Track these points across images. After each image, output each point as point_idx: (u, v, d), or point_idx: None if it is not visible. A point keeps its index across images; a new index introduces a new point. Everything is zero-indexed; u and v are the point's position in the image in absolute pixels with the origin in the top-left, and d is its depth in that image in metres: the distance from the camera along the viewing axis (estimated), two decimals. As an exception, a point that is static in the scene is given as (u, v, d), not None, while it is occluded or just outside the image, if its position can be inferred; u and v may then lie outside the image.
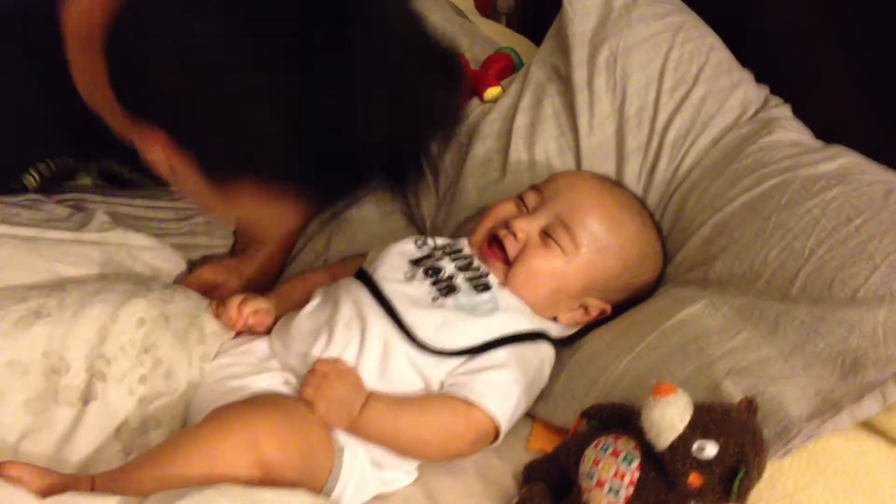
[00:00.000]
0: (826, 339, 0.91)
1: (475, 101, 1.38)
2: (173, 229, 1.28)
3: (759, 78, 1.28)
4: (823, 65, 1.23)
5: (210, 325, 1.06)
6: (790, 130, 1.16)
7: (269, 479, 0.88)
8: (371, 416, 0.97)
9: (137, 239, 1.17)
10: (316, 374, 0.97)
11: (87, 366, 0.96)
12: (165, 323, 1.02)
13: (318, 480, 0.95)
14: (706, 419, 0.83)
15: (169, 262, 1.19)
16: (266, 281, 1.27)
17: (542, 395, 1.06)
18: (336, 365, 0.99)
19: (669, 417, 0.82)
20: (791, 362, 0.92)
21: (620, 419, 0.95)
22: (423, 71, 0.91)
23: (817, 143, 1.15)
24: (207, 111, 0.85)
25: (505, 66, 1.45)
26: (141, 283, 1.07)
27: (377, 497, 1.00)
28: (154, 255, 1.17)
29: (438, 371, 1.02)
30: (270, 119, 0.84)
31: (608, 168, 1.24)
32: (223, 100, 0.84)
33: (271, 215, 1.01)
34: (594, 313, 1.11)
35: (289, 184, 0.91)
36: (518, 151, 1.27)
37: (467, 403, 0.98)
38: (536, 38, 1.67)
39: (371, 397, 0.98)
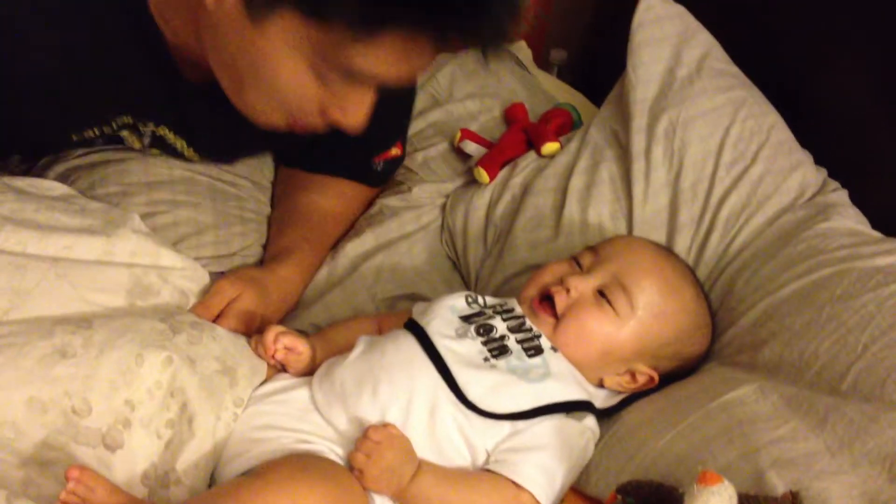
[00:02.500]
0: (876, 438, 0.90)
1: (531, 155, 1.39)
2: (209, 235, 1.28)
3: (818, 160, 1.28)
4: (885, 151, 1.23)
5: (241, 367, 1.05)
6: (847, 218, 1.16)
7: None
8: (421, 488, 0.97)
9: (168, 258, 1.16)
10: (367, 442, 0.96)
11: (111, 409, 0.95)
12: (192, 367, 1.01)
13: None
14: (750, 512, 0.83)
15: (198, 283, 1.18)
16: (285, 299, 1.26)
17: (580, 467, 1.06)
18: (388, 431, 0.98)
19: (713, 507, 0.82)
20: (838, 459, 0.91)
21: (658, 499, 0.94)
22: None
23: (875, 234, 1.15)
24: None
25: (564, 123, 1.46)
26: (169, 318, 1.06)
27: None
28: (183, 277, 1.16)
29: (485, 439, 1.01)
30: None
31: (659, 238, 1.24)
32: None
33: (300, 78, 0.95)
34: (641, 380, 1.10)
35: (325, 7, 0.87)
36: (572, 212, 1.28)
37: (517, 487, 0.98)
38: (586, 92, 1.70)
39: (421, 469, 0.98)
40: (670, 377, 1.11)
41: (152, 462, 0.95)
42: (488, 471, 1.00)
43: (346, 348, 1.09)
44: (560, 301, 1.07)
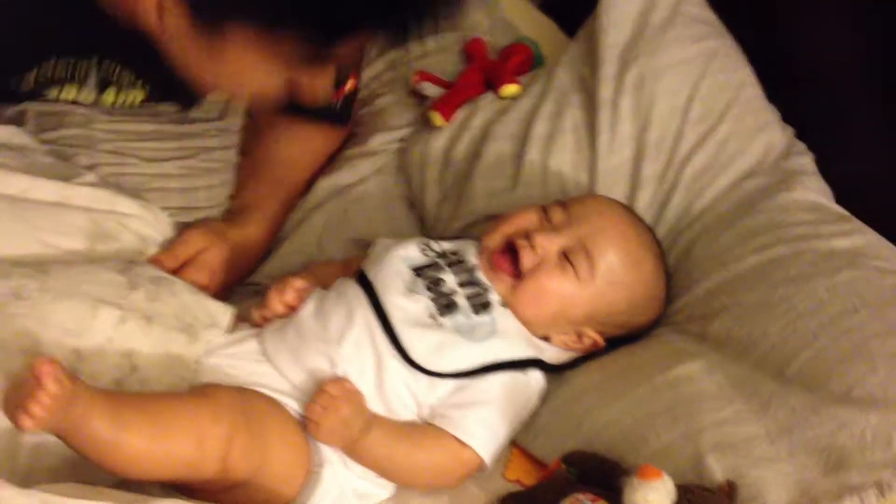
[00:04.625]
0: (815, 430, 0.92)
1: (491, 95, 1.36)
2: (174, 186, 1.26)
3: (787, 116, 1.27)
4: (854, 116, 1.21)
5: (199, 322, 1.05)
6: (810, 189, 1.15)
7: (226, 479, 0.92)
8: (369, 442, 0.98)
9: (126, 205, 1.15)
10: (324, 395, 0.97)
11: (59, 356, 0.93)
12: (147, 326, 1.00)
13: (284, 494, 0.97)
14: (686, 507, 0.84)
15: (158, 230, 1.18)
16: (249, 258, 1.27)
17: (525, 424, 1.07)
18: (344, 385, 0.99)
19: (651, 502, 0.84)
20: (777, 445, 0.93)
21: (601, 473, 0.96)
22: None
23: (835, 210, 1.14)
24: None
25: (524, 61, 1.42)
26: (127, 270, 1.05)
27: (353, 510, 1.02)
28: (144, 224, 1.16)
29: (430, 394, 1.02)
30: None
31: (621, 192, 1.22)
32: None
33: (261, 75, 0.96)
34: (587, 343, 1.10)
35: (280, 25, 0.88)
36: (532, 162, 1.25)
37: (459, 443, 1.00)
38: (556, 14, 1.64)
39: (371, 424, 0.99)
40: (618, 341, 1.12)
41: None
42: (433, 426, 1.02)
43: (327, 285, 1.11)
44: (526, 259, 1.06)
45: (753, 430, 0.95)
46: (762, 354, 1.01)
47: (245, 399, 0.97)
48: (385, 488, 1.03)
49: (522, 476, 1.05)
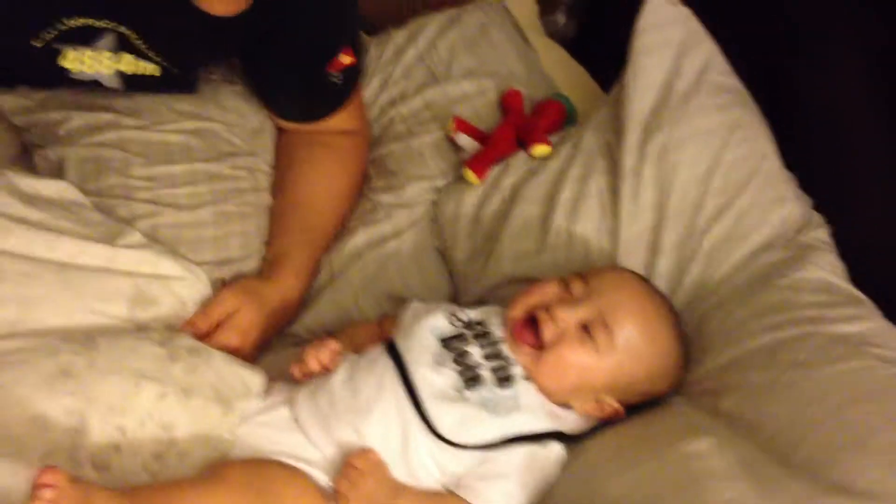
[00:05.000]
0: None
1: (523, 155, 1.41)
2: (208, 235, 1.32)
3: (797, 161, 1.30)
4: (863, 163, 1.25)
5: (235, 393, 1.12)
6: (822, 268, 1.19)
7: None
8: None
9: (169, 267, 1.22)
10: (352, 469, 1.04)
11: (104, 433, 1.01)
12: (186, 400, 1.07)
13: None
14: None
15: (197, 290, 1.25)
16: (285, 311, 1.32)
17: (544, 493, 1.12)
18: (369, 458, 1.06)
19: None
20: (778, 529, 0.98)
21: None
22: None
23: (845, 290, 1.17)
24: None
25: (556, 120, 1.47)
26: (168, 342, 1.11)
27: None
28: (184, 286, 1.23)
29: (456, 464, 1.09)
30: None
31: (641, 259, 1.27)
32: None
33: None
34: (608, 411, 1.15)
35: None
36: (559, 226, 1.31)
37: None
38: (587, 61, 1.69)
39: (398, 493, 1.06)
40: (637, 407, 1.17)
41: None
42: (457, 497, 1.08)
43: (360, 347, 1.18)
44: (547, 331, 1.11)
45: (756, 514, 1.00)
46: (769, 437, 1.05)
47: (260, 474, 1.03)
48: None
49: (540, 543, 1.12)
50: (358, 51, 1.42)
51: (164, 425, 1.05)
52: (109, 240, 1.19)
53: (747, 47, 1.40)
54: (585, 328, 1.12)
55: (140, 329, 1.16)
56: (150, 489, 1.00)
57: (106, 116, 1.35)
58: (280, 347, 1.33)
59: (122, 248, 1.19)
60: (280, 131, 1.48)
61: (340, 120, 1.45)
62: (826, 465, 0.99)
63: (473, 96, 1.54)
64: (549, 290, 1.15)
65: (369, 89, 1.58)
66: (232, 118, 1.43)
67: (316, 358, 1.16)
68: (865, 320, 1.11)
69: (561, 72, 1.65)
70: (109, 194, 1.30)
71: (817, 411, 1.03)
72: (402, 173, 1.47)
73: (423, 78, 1.57)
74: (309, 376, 1.16)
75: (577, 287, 1.15)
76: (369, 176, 1.50)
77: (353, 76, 1.43)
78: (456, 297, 1.40)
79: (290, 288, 1.33)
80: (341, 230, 1.43)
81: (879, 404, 1.00)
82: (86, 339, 1.08)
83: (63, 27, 1.19)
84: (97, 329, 1.12)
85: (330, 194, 1.42)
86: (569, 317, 1.12)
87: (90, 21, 1.19)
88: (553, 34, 1.80)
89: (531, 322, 1.14)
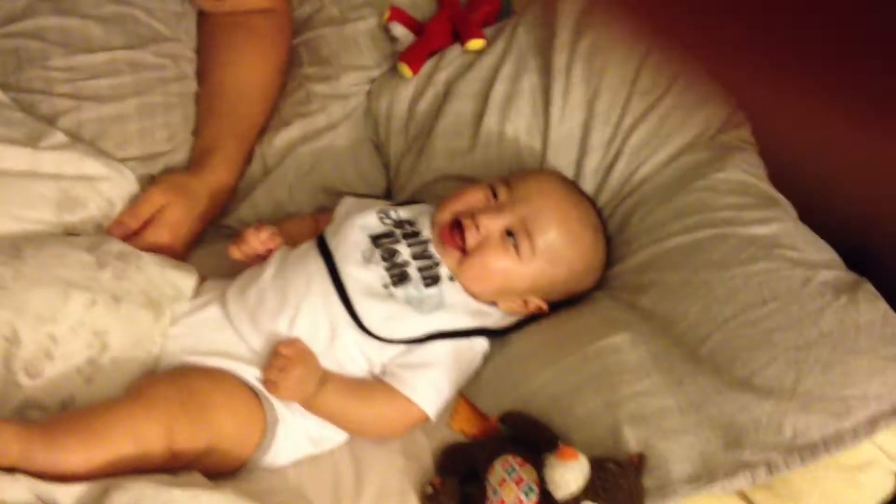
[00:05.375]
0: (719, 408, 1.03)
1: (457, 48, 1.42)
2: (133, 129, 1.31)
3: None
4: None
5: (165, 296, 1.14)
6: (740, 168, 1.23)
7: (178, 461, 1.01)
8: (323, 399, 1.11)
9: (94, 167, 1.21)
10: (280, 357, 1.09)
11: (35, 340, 1.04)
12: (116, 306, 1.09)
13: (241, 457, 1.09)
14: (597, 484, 0.97)
15: (124, 189, 1.25)
16: (214, 204, 1.33)
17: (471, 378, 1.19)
18: (297, 346, 1.11)
19: (566, 480, 0.97)
20: (686, 417, 1.05)
21: (533, 436, 1.09)
22: None
23: (762, 190, 1.22)
24: None
25: (491, 11, 1.47)
26: (96, 248, 1.12)
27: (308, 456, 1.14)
28: (111, 185, 1.23)
29: (381, 354, 1.15)
30: None
31: (570, 157, 1.31)
32: None
33: None
34: (532, 308, 1.21)
35: None
36: (491, 124, 1.33)
37: (408, 401, 1.12)
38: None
39: (325, 380, 1.11)
40: (561, 304, 1.23)
41: (70, 394, 1.05)
42: (384, 383, 1.14)
43: (296, 237, 1.22)
44: (470, 237, 1.16)
45: (666, 403, 1.06)
46: (681, 332, 1.11)
47: (185, 384, 1.06)
48: (340, 433, 1.15)
49: (466, 426, 1.18)
50: None
51: (95, 331, 1.07)
52: (32, 141, 1.18)
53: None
54: (509, 234, 1.16)
55: (69, 233, 1.17)
56: (69, 417, 1.02)
57: (23, 2, 1.32)
58: (213, 240, 1.35)
59: (46, 150, 1.18)
60: (200, 15, 1.46)
61: None
62: (730, 361, 1.06)
63: None
64: (474, 197, 1.19)
65: (301, -33, 1.55)
66: (153, 2, 1.40)
67: (256, 236, 1.19)
68: (777, 222, 1.16)
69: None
70: (30, 88, 1.28)
71: (726, 310, 1.09)
72: (336, 61, 1.47)
73: None
74: (250, 256, 1.20)
75: (502, 193, 1.19)
76: (300, 57, 1.49)
77: None
78: (390, 189, 1.42)
79: (219, 180, 1.33)
80: (274, 119, 1.43)
81: (783, 305, 1.06)
82: (12, 248, 1.08)
83: None
84: (25, 236, 1.13)
85: (255, 80, 1.41)
86: (492, 224, 1.16)
87: None
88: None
89: (457, 226, 1.17)
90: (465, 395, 1.20)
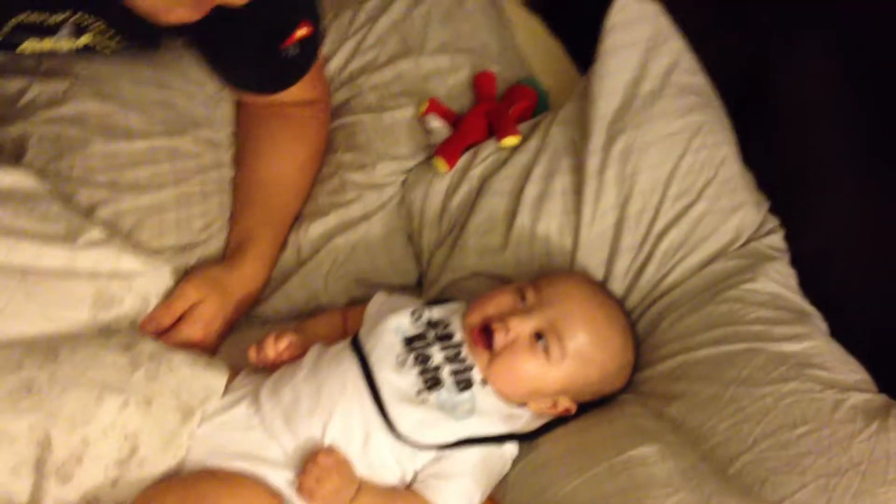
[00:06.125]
0: (745, 532, 1.04)
1: (492, 143, 1.44)
2: (171, 218, 1.33)
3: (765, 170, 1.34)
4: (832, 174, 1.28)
5: (196, 397, 1.14)
6: (772, 279, 1.24)
7: None
8: None
9: (130, 263, 1.23)
10: (316, 467, 1.09)
11: (68, 445, 1.05)
12: (148, 408, 1.10)
13: None
14: None
15: (159, 286, 1.26)
16: (247, 297, 1.35)
17: (499, 479, 1.20)
18: (335, 456, 1.11)
19: None
20: (711, 539, 1.05)
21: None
22: None
23: (794, 304, 1.23)
24: None
25: (528, 107, 1.49)
26: (130, 348, 1.14)
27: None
28: (146, 281, 1.24)
29: (413, 461, 1.15)
30: None
31: (601, 258, 1.32)
32: None
33: None
34: (561, 409, 1.22)
35: None
36: (523, 222, 1.35)
37: None
38: (563, 32, 1.70)
39: (360, 490, 1.11)
40: (588, 405, 1.24)
41: (95, 496, 1.06)
42: (415, 493, 1.14)
43: (324, 339, 1.23)
44: (499, 339, 1.17)
45: (692, 523, 1.07)
46: (709, 448, 1.11)
47: (195, 496, 1.07)
48: None
49: (491, 528, 1.19)
50: (315, 20, 1.39)
51: (126, 434, 1.08)
52: (69, 238, 1.19)
53: (719, 41, 1.42)
54: (539, 336, 1.17)
55: (103, 331, 1.19)
56: None
57: (64, 86, 1.34)
58: (246, 327, 1.37)
59: (82, 249, 1.19)
60: (238, 102, 1.48)
61: (299, 90, 1.44)
62: (761, 484, 1.06)
63: (446, 72, 1.54)
64: (504, 301, 1.20)
65: (340, 53, 1.58)
66: (192, 87, 1.43)
67: (274, 347, 1.21)
68: (808, 339, 1.16)
69: (535, 46, 1.65)
70: (69, 177, 1.30)
71: (756, 430, 1.09)
72: (373, 149, 1.48)
73: (396, 47, 1.57)
74: (264, 364, 1.21)
75: (531, 296, 1.20)
76: (335, 142, 1.51)
77: (311, 47, 1.41)
78: (421, 280, 1.44)
79: (254, 275, 1.35)
80: (309, 207, 1.45)
81: (814, 429, 1.07)
82: (48, 349, 1.10)
83: (17, 21, 1.17)
84: (60, 335, 1.14)
85: (292, 170, 1.43)
86: (522, 326, 1.17)
87: (45, 16, 1.18)
88: (529, 2, 1.80)
89: (487, 329, 1.18)
90: (492, 496, 1.20)
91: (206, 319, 1.26)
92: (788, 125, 1.35)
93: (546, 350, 1.17)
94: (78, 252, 1.19)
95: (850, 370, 1.15)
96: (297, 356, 1.22)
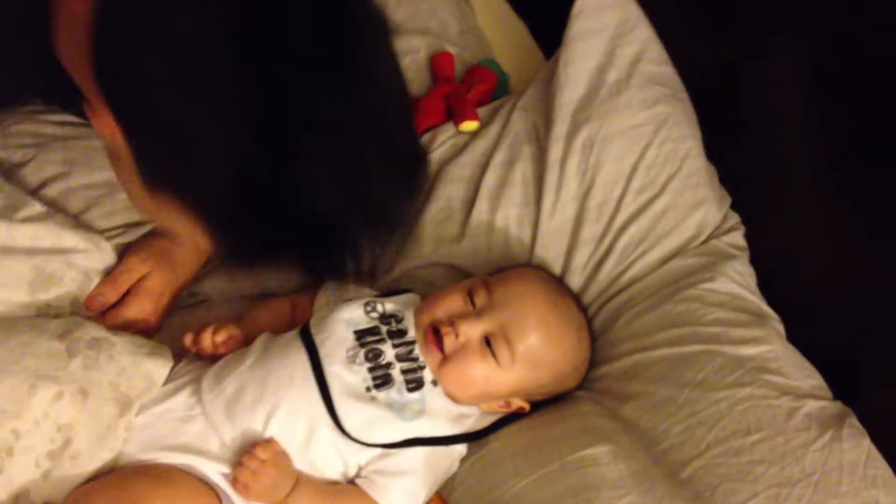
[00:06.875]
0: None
1: (449, 126, 1.40)
2: (122, 198, 1.25)
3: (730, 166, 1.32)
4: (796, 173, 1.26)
5: (134, 388, 1.10)
6: (731, 279, 1.22)
7: None
8: (294, 501, 1.08)
9: (70, 239, 1.18)
10: (254, 459, 1.06)
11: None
12: (83, 400, 1.05)
13: None
14: None
15: (101, 261, 1.21)
16: (194, 266, 1.29)
17: (447, 475, 1.17)
18: (273, 448, 1.08)
19: None
20: (659, 544, 1.04)
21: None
22: (388, 165, 0.84)
23: (752, 306, 1.21)
24: (166, 118, 0.77)
25: (487, 90, 1.45)
26: (68, 334, 1.09)
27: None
28: (87, 257, 1.19)
29: (357, 457, 1.13)
30: (221, 153, 0.77)
31: (560, 250, 1.29)
32: (186, 113, 0.76)
33: (191, 236, 0.91)
34: (514, 407, 1.19)
35: (207, 224, 0.85)
36: (481, 212, 1.31)
37: None
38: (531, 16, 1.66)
39: (298, 484, 1.09)
40: (542, 402, 1.21)
41: (25, 488, 1.02)
42: (357, 489, 1.12)
43: (269, 327, 1.20)
44: (448, 343, 1.14)
45: (642, 526, 1.05)
46: (662, 451, 1.10)
47: (125, 496, 1.03)
48: None
49: (438, 526, 1.17)
50: None
51: (59, 426, 1.04)
52: (7, 212, 1.14)
53: (690, 42, 1.39)
54: (487, 341, 1.14)
55: (42, 311, 1.14)
56: None
57: None
58: (185, 310, 1.30)
59: (20, 224, 1.14)
60: None
61: None
62: (711, 490, 1.05)
63: (403, 54, 1.49)
64: (454, 303, 1.17)
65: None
66: None
67: (211, 339, 1.17)
68: (765, 343, 1.15)
69: (498, 28, 1.61)
70: (20, 144, 1.24)
71: (709, 435, 1.08)
72: None
73: None
74: (198, 352, 1.18)
75: (481, 297, 1.17)
76: None
77: None
78: (375, 267, 1.40)
79: (200, 244, 1.29)
80: None
81: (770, 436, 1.05)
82: None
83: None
84: None
85: None
86: (470, 330, 1.14)
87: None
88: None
89: (437, 333, 1.15)
90: (440, 492, 1.18)
91: (154, 292, 1.21)
92: (754, 124, 1.33)
93: (495, 355, 1.14)
94: (15, 227, 1.14)
95: (805, 376, 1.13)
96: (236, 349, 1.18)
